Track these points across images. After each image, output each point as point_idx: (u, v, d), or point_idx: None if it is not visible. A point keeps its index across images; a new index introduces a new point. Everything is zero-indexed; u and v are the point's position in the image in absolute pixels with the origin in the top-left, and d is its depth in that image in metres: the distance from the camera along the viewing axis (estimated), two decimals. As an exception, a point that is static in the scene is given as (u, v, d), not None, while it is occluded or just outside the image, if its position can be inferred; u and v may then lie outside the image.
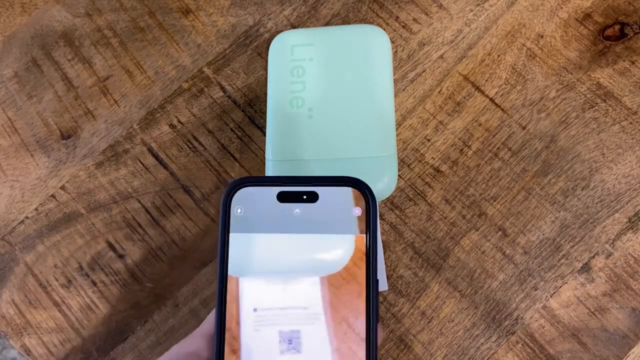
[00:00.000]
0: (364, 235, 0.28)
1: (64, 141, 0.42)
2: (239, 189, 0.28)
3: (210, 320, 0.29)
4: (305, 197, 0.28)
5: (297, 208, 0.28)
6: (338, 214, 0.28)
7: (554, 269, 0.37)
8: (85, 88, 0.42)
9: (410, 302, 0.37)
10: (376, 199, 0.28)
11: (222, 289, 0.28)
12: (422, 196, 0.39)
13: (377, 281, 0.27)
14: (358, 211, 0.28)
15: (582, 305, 0.37)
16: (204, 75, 0.42)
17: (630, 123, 0.39)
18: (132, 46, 0.43)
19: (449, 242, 0.38)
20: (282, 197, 0.28)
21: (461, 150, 0.40)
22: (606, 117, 0.39)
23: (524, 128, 0.40)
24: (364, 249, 0.27)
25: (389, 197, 0.39)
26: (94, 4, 0.44)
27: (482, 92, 0.40)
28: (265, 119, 0.38)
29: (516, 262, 0.38)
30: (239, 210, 0.28)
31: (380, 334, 0.28)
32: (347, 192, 0.28)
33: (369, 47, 0.38)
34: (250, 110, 0.41)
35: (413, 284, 0.38)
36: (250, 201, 0.28)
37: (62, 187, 0.41)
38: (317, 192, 0.28)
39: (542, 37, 0.41)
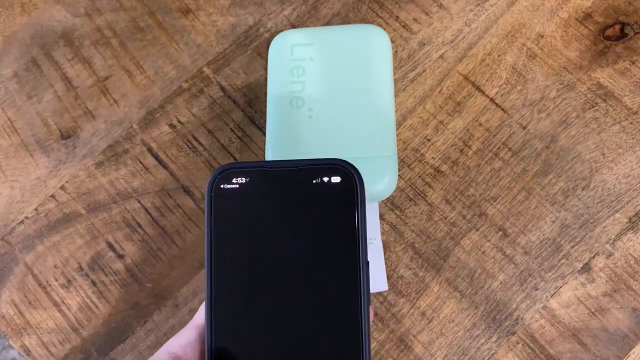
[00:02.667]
0: (352, 217, 0.27)
1: (64, 141, 0.42)
2: (222, 176, 0.27)
3: (201, 312, 0.28)
4: (289, 180, 0.27)
5: (282, 191, 0.27)
6: (324, 196, 0.27)
7: (555, 269, 0.37)
8: (85, 88, 0.42)
9: (411, 303, 0.37)
10: (362, 178, 0.27)
11: (210, 280, 0.27)
12: (422, 196, 0.39)
13: (367, 263, 0.27)
14: (342, 190, 0.27)
15: (583, 305, 0.37)
16: (203, 75, 0.42)
17: (631, 123, 0.39)
18: (132, 46, 0.43)
19: (449, 242, 0.38)
20: (267, 182, 0.27)
21: (461, 150, 0.40)
22: (606, 117, 0.39)
23: (524, 128, 0.40)
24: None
25: (389, 197, 0.39)
26: (94, 4, 0.44)
27: (483, 92, 0.40)
28: (265, 119, 0.38)
29: (516, 262, 0.37)
30: (224, 198, 0.27)
31: (371, 314, 0.28)
32: (331, 172, 0.27)
33: (369, 47, 0.38)
34: (250, 110, 0.41)
35: (413, 284, 0.38)
36: (235, 188, 0.27)
37: (62, 187, 0.41)
38: (301, 174, 0.27)
39: (542, 37, 0.41)
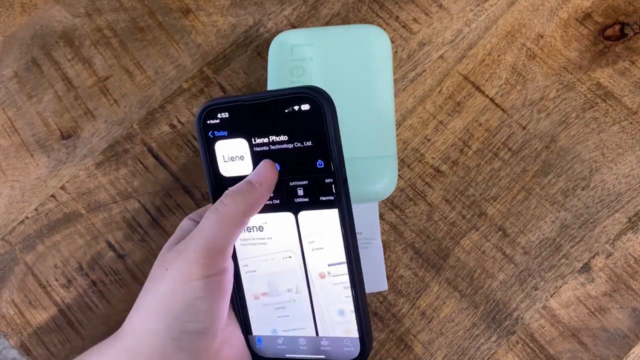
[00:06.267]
0: (324, 135, 0.29)
1: (64, 141, 0.42)
2: (206, 111, 0.31)
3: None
4: (264, 110, 0.30)
5: (261, 119, 0.30)
6: (297, 120, 0.30)
7: (554, 269, 0.37)
8: (85, 88, 0.42)
9: (410, 302, 0.37)
10: (331, 99, 0.30)
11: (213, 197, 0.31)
12: (422, 196, 0.39)
13: (345, 179, 0.30)
14: (313, 114, 0.30)
15: (582, 305, 0.37)
16: (204, 75, 0.42)
17: (630, 123, 0.39)
18: (132, 46, 0.43)
19: (449, 242, 0.38)
20: (246, 113, 0.30)
21: (461, 150, 0.40)
22: (606, 117, 0.39)
23: (524, 128, 0.40)
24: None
25: (389, 197, 0.39)
26: (94, 4, 0.44)
27: (482, 92, 0.40)
28: (265, 119, 0.38)
29: (516, 262, 0.38)
30: (211, 134, 0.31)
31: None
32: (302, 100, 0.29)
33: (369, 47, 0.38)
34: (250, 110, 0.41)
35: (413, 284, 0.38)
36: (219, 122, 0.31)
37: (62, 187, 0.41)
38: (274, 104, 0.30)
39: (542, 37, 0.41)
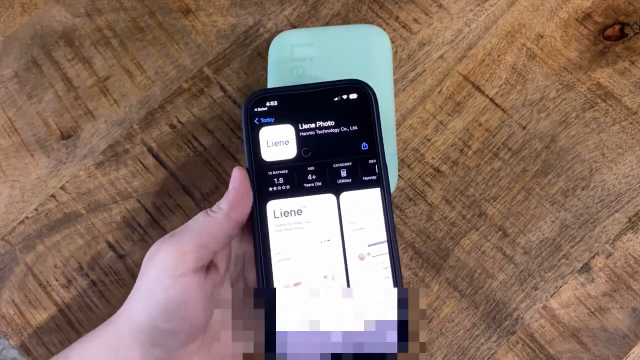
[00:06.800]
0: (371, 124, 0.32)
1: (64, 141, 0.42)
2: (255, 99, 0.32)
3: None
4: (314, 99, 0.33)
5: (309, 109, 0.32)
6: (345, 109, 0.32)
7: (554, 269, 0.37)
8: (85, 88, 0.42)
9: (410, 302, 0.37)
10: (375, 92, 0.32)
11: (254, 184, 0.32)
12: (422, 196, 0.39)
13: (386, 166, 0.32)
14: (360, 103, 0.32)
15: (582, 305, 0.37)
16: (204, 75, 0.42)
17: (631, 123, 0.39)
18: (132, 46, 0.43)
19: (449, 242, 0.38)
20: (295, 102, 0.32)
21: (461, 150, 0.40)
22: (606, 117, 0.39)
23: (524, 128, 0.40)
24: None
25: (389, 197, 0.39)
26: (94, 4, 0.44)
27: (482, 92, 0.40)
28: (265, 119, 0.38)
29: (516, 262, 0.38)
30: (257, 120, 0.32)
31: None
32: (350, 90, 0.32)
33: (369, 47, 0.38)
34: (250, 110, 0.41)
35: (413, 284, 0.38)
36: (267, 110, 0.33)
37: (62, 187, 0.41)
38: (324, 94, 0.32)
39: (542, 37, 0.41)
